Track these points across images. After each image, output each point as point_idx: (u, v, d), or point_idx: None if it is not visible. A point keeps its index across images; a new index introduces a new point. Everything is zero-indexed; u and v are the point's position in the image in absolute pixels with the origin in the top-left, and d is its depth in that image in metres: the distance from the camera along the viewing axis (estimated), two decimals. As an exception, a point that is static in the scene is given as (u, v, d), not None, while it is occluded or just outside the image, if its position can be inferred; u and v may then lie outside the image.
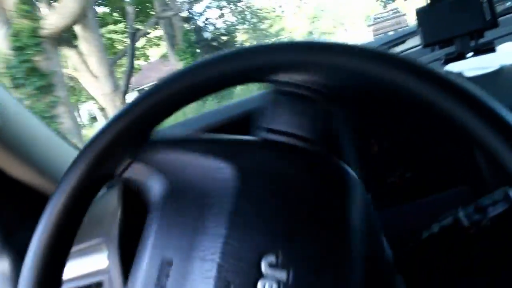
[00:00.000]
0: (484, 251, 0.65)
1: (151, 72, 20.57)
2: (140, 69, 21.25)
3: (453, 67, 0.87)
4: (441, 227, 0.59)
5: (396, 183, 0.84)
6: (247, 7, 21.88)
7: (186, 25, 17.54)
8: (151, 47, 21.06)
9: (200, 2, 19.55)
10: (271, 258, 0.34)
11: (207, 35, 19.60)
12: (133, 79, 17.58)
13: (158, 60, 22.51)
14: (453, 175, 0.78)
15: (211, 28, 20.16)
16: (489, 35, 0.92)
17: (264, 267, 0.34)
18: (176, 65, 15.22)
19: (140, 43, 17.75)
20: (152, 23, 15.42)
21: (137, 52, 17.17)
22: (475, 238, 0.56)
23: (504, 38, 1.00)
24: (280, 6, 27.38)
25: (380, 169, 0.85)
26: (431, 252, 0.60)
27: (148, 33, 16.72)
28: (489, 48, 0.86)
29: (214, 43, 19.16)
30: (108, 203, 0.75)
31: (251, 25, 22.93)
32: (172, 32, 15.78)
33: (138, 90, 18.57)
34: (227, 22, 21.12)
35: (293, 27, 35.41)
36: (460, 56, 0.87)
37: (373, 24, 14.48)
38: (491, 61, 0.83)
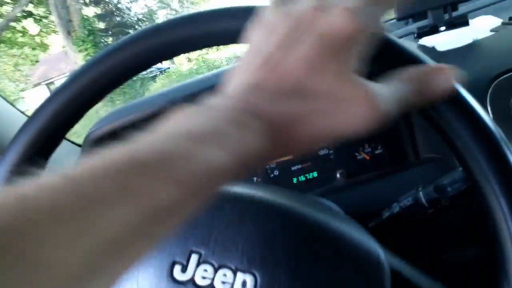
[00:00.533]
0: (443, 230, 0.65)
1: (60, 63, 16.52)
2: (38, 61, 17.08)
3: (426, 41, 0.85)
4: (401, 207, 0.59)
5: (366, 160, 0.83)
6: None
7: (95, 9, 14.96)
8: (49, 34, 16.07)
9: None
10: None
11: (120, 20, 17.09)
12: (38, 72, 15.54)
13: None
14: (424, 149, 0.77)
15: (127, 12, 17.75)
16: (463, 8, 0.90)
17: None
18: (74, 56, 12.47)
19: (35, 29, 14.54)
20: (25, 2, 12.02)
21: (30, 41, 14.13)
22: (434, 217, 0.56)
23: (477, 11, 0.98)
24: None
25: (350, 145, 0.84)
26: (391, 232, 0.60)
27: (18, 18, 12.93)
28: (462, 21, 0.84)
29: (130, 30, 16.28)
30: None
31: (173, 10, 20.05)
32: (67, 16, 12.58)
33: (47, 84, 16.22)
34: (145, 7, 18.90)
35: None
36: (433, 30, 0.85)
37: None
38: (464, 35, 0.82)
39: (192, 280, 0.32)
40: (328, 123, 0.26)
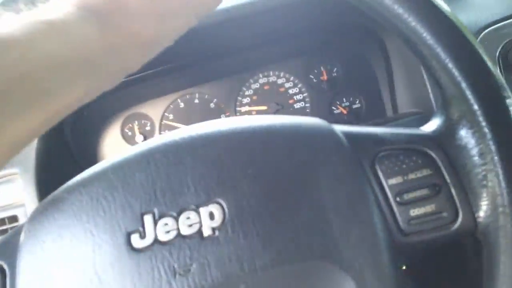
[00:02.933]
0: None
1: None
2: None
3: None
4: None
5: (343, 114, 0.80)
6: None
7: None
8: None
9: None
10: None
11: None
12: None
13: None
14: (403, 105, 0.74)
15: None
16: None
17: None
18: None
19: None
20: None
21: None
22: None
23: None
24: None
25: (327, 99, 0.80)
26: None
27: None
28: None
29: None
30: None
31: None
32: None
33: None
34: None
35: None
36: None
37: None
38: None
39: (156, 241, 0.29)
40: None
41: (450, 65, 0.29)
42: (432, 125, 0.33)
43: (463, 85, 0.29)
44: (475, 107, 0.28)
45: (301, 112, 0.81)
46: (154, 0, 0.29)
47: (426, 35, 0.29)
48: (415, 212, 0.30)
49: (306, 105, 0.81)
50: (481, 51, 0.29)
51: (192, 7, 0.31)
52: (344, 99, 0.80)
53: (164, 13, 0.30)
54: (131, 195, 0.31)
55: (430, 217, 0.30)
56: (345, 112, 0.80)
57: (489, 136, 0.28)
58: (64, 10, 0.27)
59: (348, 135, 0.32)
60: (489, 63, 0.29)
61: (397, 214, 0.30)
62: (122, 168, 0.33)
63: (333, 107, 0.80)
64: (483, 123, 0.28)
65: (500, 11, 0.65)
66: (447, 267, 0.48)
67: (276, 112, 0.80)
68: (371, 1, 0.32)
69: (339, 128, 0.33)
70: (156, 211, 0.30)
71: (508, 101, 0.28)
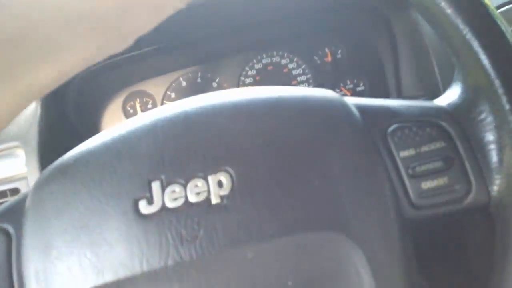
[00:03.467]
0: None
1: None
2: None
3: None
4: None
5: (347, 96, 0.79)
6: None
7: None
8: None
9: None
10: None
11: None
12: None
13: None
14: (409, 89, 0.74)
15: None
16: None
17: None
18: None
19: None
20: None
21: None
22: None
23: None
24: None
25: (331, 81, 0.80)
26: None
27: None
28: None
29: None
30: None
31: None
32: None
33: None
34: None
35: None
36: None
37: None
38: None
39: (163, 208, 0.29)
40: None
41: (469, 36, 0.28)
42: (447, 98, 0.33)
43: (482, 57, 0.28)
44: (494, 80, 0.28)
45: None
46: None
47: (445, 5, 0.29)
48: (427, 185, 0.30)
49: (310, 86, 0.80)
50: (501, 23, 0.28)
51: None
52: (348, 81, 0.80)
53: None
54: (138, 162, 0.31)
55: (442, 190, 0.30)
56: (349, 94, 0.79)
57: (508, 109, 0.28)
58: None
59: (359, 107, 0.32)
60: (510, 36, 0.28)
61: (408, 187, 0.30)
62: (130, 136, 0.32)
63: (337, 89, 0.80)
64: (502, 97, 0.28)
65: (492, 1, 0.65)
66: (458, 243, 0.48)
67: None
68: None
69: (351, 100, 0.33)
70: (163, 178, 0.30)
71: None
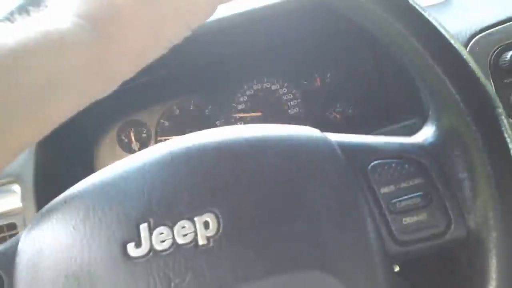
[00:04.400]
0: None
1: None
2: None
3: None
4: None
5: (337, 120, 0.81)
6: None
7: None
8: None
9: None
10: None
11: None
12: None
13: None
14: (395, 111, 0.75)
15: None
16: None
17: None
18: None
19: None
20: None
21: None
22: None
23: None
24: None
25: (321, 105, 0.81)
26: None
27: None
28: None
29: None
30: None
31: None
32: None
33: None
34: None
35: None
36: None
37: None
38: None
39: (152, 250, 0.30)
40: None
41: (442, 76, 0.29)
42: (424, 134, 0.34)
43: (455, 96, 0.29)
44: (467, 117, 0.29)
45: (296, 118, 0.81)
46: (147, 10, 0.30)
47: (419, 47, 0.30)
48: (407, 220, 0.31)
49: (301, 110, 0.81)
50: (472, 63, 0.30)
51: (185, 17, 0.32)
52: (338, 105, 0.81)
53: (157, 23, 0.31)
54: (127, 205, 0.32)
55: (423, 226, 0.31)
56: (339, 117, 0.81)
57: (481, 146, 0.29)
58: (59, 18, 0.28)
59: (341, 144, 0.33)
60: (480, 74, 0.30)
61: (390, 223, 0.31)
62: (119, 179, 0.33)
63: (327, 113, 0.81)
64: (475, 134, 0.29)
65: (491, 17, 0.66)
66: (439, 275, 0.49)
67: (271, 118, 0.81)
68: (364, 14, 0.32)
69: (332, 137, 0.34)
70: (151, 220, 0.31)
71: (498, 110, 0.29)
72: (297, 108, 0.82)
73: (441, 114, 0.32)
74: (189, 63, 0.76)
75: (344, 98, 0.81)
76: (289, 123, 0.80)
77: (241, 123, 0.81)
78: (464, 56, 0.30)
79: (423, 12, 0.30)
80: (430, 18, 0.30)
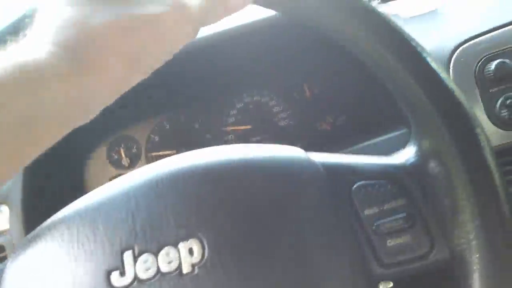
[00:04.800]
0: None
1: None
2: None
3: (391, 7, 0.83)
4: None
5: (327, 131, 0.80)
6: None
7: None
8: None
9: None
10: None
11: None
12: None
13: None
14: (385, 121, 0.75)
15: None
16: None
17: None
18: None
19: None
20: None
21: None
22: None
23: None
24: None
25: (311, 116, 0.81)
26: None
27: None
28: (427, -13, 0.81)
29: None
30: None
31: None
32: None
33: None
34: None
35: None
36: (397, -5, 0.82)
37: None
38: (428, 1, 0.80)
39: (136, 279, 0.30)
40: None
41: (423, 98, 0.29)
42: (406, 154, 0.34)
43: (436, 118, 0.29)
44: (448, 139, 0.29)
45: (286, 129, 0.81)
46: (126, 37, 0.30)
47: (400, 70, 0.30)
48: (391, 242, 0.31)
49: (291, 122, 0.81)
50: (452, 85, 0.30)
51: (166, 42, 0.32)
52: (328, 116, 0.81)
53: (137, 49, 0.30)
54: (111, 232, 0.31)
55: (406, 248, 0.31)
56: (329, 128, 0.81)
57: (461, 168, 0.29)
58: (36, 48, 0.28)
59: (325, 166, 0.33)
60: (461, 96, 0.30)
61: (375, 245, 0.31)
62: (103, 204, 0.33)
63: (317, 124, 0.81)
64: (456, 155, 0.29)
65: (476, 27, 0.66)
66: None
67: (261, 131, 0.81)
68: (342, 31, 0.32)
69: (316, 157, 0.34)
70: (136, 247, 0.30)
71: (478, 131, 0.29)
72: (287, 120, 0.81)
73: (423, 135, 0.32)
74: (178, 78, 0.76)
75: (334, 109, 0.81)
76: (280, 135, 0.80)
77: (231, 137, 0.81)
78: (445, 79, 0.30)
79: (405, 36, 0.31)
80: (413, 43, 0.30)
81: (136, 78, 0.32)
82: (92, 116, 0.31)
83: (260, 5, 0.33)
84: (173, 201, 0.32)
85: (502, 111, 0.60)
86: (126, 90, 0.32)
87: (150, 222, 0.31)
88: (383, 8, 0.82)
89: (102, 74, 0.29)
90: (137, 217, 0.31)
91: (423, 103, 0.30)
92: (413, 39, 0.31)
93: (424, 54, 0.30)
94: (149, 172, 0.34)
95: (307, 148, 0.76)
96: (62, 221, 0.33)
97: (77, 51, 0.29)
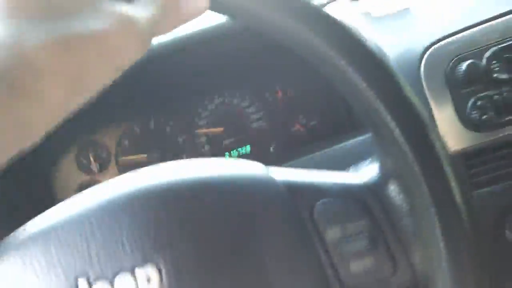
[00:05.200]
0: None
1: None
2: None
3: (362, 6, 0.82)
4: None
5: (301, 132, 0.80)
6: None
7: None
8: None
9: None
10: None
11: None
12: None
13: None
14: (358, 123, 0.75)
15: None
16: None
17: None
18: None
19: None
20: None
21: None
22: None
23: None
24: None
25: (284, 118, 0.80)
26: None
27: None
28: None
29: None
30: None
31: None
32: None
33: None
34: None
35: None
36: (369, -7, 0.82)
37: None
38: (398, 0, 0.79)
39: None
40: None
41: (385, 117, 0.28)
42: (369, 173, 0.33)
43: (398, 138, 0.28)
44: (409, 159, 0.28)
45: (259, 131, 0.80)
46: (65, 58, 0.27)
47: (364, 88, 0.29)
48: (354, 266, 0.30)
49: (263, 123, 0.80)
50: (416, 102, 0.29)
51: (112, 60, 0.29)
52: (301, 117, 0.80)
53: (79, 70, 0.28)
54: (65, 257, 0.30)
55: (369, 270, 0.30)
56: (302, 129, 0.80)
57: (423, 189, 0.28)
58: None
59: (286, 184, 0.32)
60: (424, 115, 0.29)
61: (337, 268, 0.30)
62: (57, 227, 0.31)
63: (290, 125, 0.80)
64: (417, 176, 0.28)
65: (448, 27, 0.66)
66: None
67: (234, 132, 0.80)
68: (305, 43, 0.31)
69: (277, 174, 0.33)
70: (91, 273, 0.29)
71: (439, 151, 0.28)
72: (260, 121, 0.80)
73: (385, 154, 0.31)
74: (147, 81, 0.74)
75: (307, 110, 0.80)
76: (253, 137, 0.79)
77: (204, 139, 0.80)
78: (409, 97, 0.29)
79: (375, 53, 0.29)
80: (383, 59, 0.29)
81: (80, 100, 0.30)
82: (35, 140, 0.30)
83: (215, 11, 0.32)
84: (129, 224, 0.30)
85: (473, 112, 0.59)
86: (72, 110, 0.30)
87: (105, 247, 0.29)
88: (353, 7, 0.81)
89: (39, 101, 0.27)
90: (91, 242, 0.30)
91: (387, 123, 0.29)
92: (384, 57, 0.30)
93: (392, 73, 0.29)
94: (104, 194, 0.32)
95: (281, 150, 0.75)
96: (13, 246, 0.31)
97: (9, 78, 0.26)
